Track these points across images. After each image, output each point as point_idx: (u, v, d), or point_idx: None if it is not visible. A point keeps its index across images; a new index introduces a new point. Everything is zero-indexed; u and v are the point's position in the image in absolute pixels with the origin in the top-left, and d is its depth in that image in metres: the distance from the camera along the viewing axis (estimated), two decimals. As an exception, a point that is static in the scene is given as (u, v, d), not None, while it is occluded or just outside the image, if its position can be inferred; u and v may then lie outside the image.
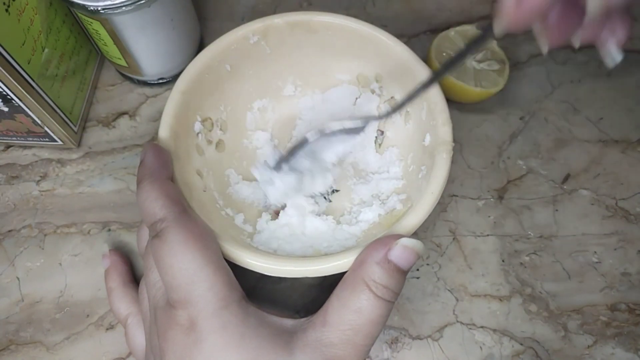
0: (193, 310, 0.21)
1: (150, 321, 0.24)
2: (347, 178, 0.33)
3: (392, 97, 0.32)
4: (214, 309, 0.21)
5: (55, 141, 0.34)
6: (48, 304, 0.31)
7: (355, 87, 0.34)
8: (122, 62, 0.35)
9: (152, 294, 0.23)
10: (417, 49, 0.29)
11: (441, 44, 0.36)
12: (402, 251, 0.22)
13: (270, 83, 0.34)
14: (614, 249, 0.32)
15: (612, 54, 0.20)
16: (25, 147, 0.36)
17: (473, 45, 0.22)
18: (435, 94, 0.27)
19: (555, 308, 0.31)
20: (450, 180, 0.34)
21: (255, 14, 0.42)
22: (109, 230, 0.33)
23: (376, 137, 0.33)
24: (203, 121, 0.30)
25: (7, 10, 0.27)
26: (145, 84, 0.38)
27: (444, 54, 0.35)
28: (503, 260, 0.32)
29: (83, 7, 0.30)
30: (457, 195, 0.34)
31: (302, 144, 0.30)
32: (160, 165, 0.25)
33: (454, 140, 0.26)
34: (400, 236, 0.22)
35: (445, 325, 0.30)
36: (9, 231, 0.33)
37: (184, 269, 0.21)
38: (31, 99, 0.30)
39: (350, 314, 0.21)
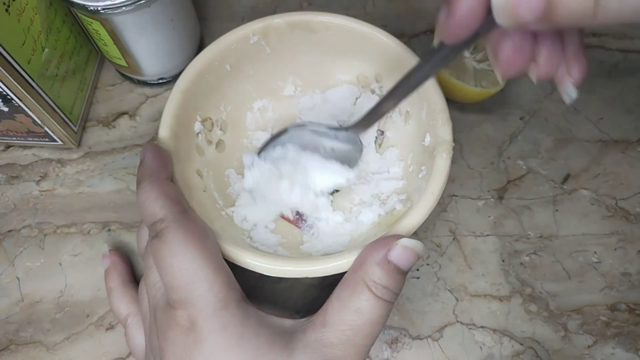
0: (193, 310, 0.21)
1: (150, 321, 0.24)
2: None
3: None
4: (213, 309, 0.21)
5: (55, 141, 0.35)
6: (48, 304, 0.31)
7: (355, 87, 0.34)
8: (122, 62, 0.35)
9: (152, 294, 0.23)
10: (417, 49, 0.29)
11: (441, 44, 0.36)
12: (402, 251, 0.22)
13: (270, 83, 0.34)
14: (614, 249, 0.32)
15: (568, 92, 0.20)
16: (25, 147, 0.36)
17: (433, 61, 0.21)
18: (435, 94, 0.27)
19: (555, 308, 0.31)
20: (450, 180, 0.34)
21: (255, 14, 0.42)
22: (109, 230, 0.33)
23: (376, 137, 0.33)
24: (203, 121, 0.30)
25: (7, 10, 0.27)
26: (145, 84, 0.38)
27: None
28: (503, 260, 0.32)
29: (83, 7, 0.30)
30: (457, 195, 0.34)
31: (281, 132, 0.30)
32: (160, 166, 0.25)
33: (454, 140, 0.26)
34: (400, 236, 0.22)
35: (445, 325, 0.30)
36: (9, 231, 0.33)
37: (183, 269, 0.21)
38: (31, 99, 0.30)
39: (350, 314, 0.21)
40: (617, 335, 0.30)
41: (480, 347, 0.30)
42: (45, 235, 0.33)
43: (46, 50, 0.31)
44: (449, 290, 0.31)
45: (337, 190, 0.33)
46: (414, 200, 0.27)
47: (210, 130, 0.31)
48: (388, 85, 0.32)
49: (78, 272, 0.32)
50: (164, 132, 0.27)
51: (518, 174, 0.35)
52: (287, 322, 0.23)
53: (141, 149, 0.30)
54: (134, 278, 0.30)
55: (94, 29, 0.32)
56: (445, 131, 0.26)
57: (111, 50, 0.34)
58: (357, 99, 0.34)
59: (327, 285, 0.31)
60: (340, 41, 0.31)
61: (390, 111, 0.26)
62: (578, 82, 0.20)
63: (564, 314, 0.31)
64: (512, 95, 0.38)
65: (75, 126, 0.35)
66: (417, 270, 0.32)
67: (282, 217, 0.32)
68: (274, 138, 0.32)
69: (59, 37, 0.33)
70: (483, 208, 0.34)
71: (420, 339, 0.30)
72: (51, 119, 0.32)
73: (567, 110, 0.37)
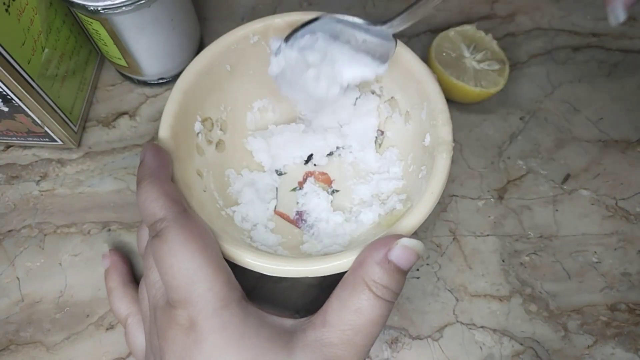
0: (193, 310, 0.21)
1: (150, 321, 0.24)
2: (347, 178, 0.33)
3: (392, 97, 0.32)
4: (213, 309, 0.21)
5: (55, 141, 0.35)
6: (48, 304, 0.31)
7: (356, 87, 0.34)
8: (122, 62, 0.35)
9: (152, 294, 0.23)
10: (417, 49, 0.29)
11: (441, 44, 0.36)
12: (402, 251, 0.22)
13: (270, 83, 0.34)
14: (614, 249, 0.32)
15: (617, 13, 0.20)
16: (25, 147, 0.36)
17: None
18: (435, 94, 0.27)
19: (555, 308, 0.31)
20: (450, 180, 0.34)
21: (255, 14, 0.42)
22: (109, 230, 0.33)
23: (376, 137, 0.33)
24: (203, 121, 0.30)
25: (7, 10, 0.27)
26: (145, 84, 0.38)
27: (444, 54, 0.35)
28: (503, 260, 0.32)
29: (83, 7, 0.30)
30: (457, 195, 0.34)
31: (312, 20, 0.29)
32: (160, 165, 0.25)
33: (454, 140, 0.26)
34: (400, 236, 0.22)
35: (445, 325, 0.30)
36: (9, 231, 0.33)
37: (183, 269, 0.21)
38: (31, 99, 0.30)
39: (350, 314, 0.21)
40: (617, 335, 0.30)
41: (480, 347, 0.30)
42: (45, 235, 0.33)
43: (46, 50, 0.31)
44: (449, 290, 0.31)
45: (337, 191, 0.33)
46: (414, 200, 0.27)
47: (210, 130, 0.31)
48: (388, 85, 0.32)
49: (78, 272, 0.32)
50: (164, 132, 0.27)
51: (518, 174, 0.35)
52: (288, 322, 0.23)
53: (141, 149, 0.30)
54: (134, 278, 0.30)
55: (94, 29, 0.32)
56: (445, 131, 0.26)
57: (111, 50, 0.34)
58: (357, 99, 0.34)
59: (327, 285, 0.31)
60: (340, 41, 0.31)
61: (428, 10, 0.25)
62: (629, 4, 0.20)
63: (564, 314, 0.31)
64: (512, 95, 0.38)
65: (75, 126, 0.35)
66: (417, 270, 0.32)
67: (279, 214, 0.32)
68: (304, 25, 0.30)
69: (59, 37, 0.33)
70: (483, 208, 0.34)
71: (420, 339, 0.30)
72: (51, 119, 0.32)
73: (567, 110, 0.37)
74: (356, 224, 0.30)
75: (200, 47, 0.39)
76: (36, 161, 0.36)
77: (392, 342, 0.30)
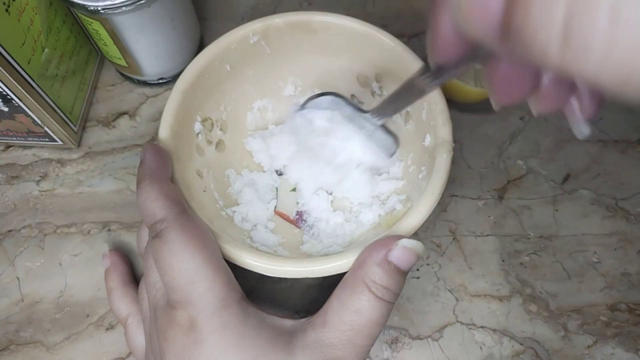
0: (193, 310, 0.21)
1: (150, 321, 0.24)
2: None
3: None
4: (213, 309, 0.21)
5: (55, 141, 0.34)
6: (48, 304, 0.31)
7: (356, 87, 0.34)
8: (122, 62, 0.35)
9: (152, 294, 0.23)
10: (417, 49, 0.29)
11: (441, 44, 0.36)
12: (402, 252, 0.22)
13: (270, 83, 0.34)
14: (614, 249, 0.32)
15: (580, 128, 0.17)
16: (25, 147, 0.36)
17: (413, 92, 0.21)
18: (435, 94, 0.27)
19: (555, 308, 0.31)
20: (450, 180, 0.34)
21: (255, 14, 0.42)
22: (109, 230, 0.33)
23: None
24: (203, 121, 0.30)
25: (7, 10, 0.27)
26: (145, 84, 0.38)
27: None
28: (503, 260, 0.32)
29: (83, 7, 0.30)
30: (457, 195, 0.34)
31: (321, 95, 0.29)
32: (160, 166, 0.25)
33: (454, 140, 0.26)
34: (400, 237, 0.22)
35: (445, 325, 0.30)
36: (9, 231, 0.33)
37: (183, 269, 0.21)
38: (31, 99, 0.30)
39: (351, 314, 0.21)
40: (617, 335, 0.30)
41: (480, 347, 0.30)
42: (45, 235, 0.33)
43: (46, 50, 0.31)
44: (449, 290, 0.31)
45: (330, 193, 0.33)
46: (414, 200, 0.27)
47: (210, 130, 0.31)
48: (388, 85, 0.32)
49: (78, 272, 0.32)
50: (164, 132, 0.27)
51: (518, 174, 0.35)
52: (288, 322, 0.23)
53: (141, 149, 0.30)
54: (134, 278, 0.30)
55: (94, 29, 0.32)
56: (445, 131, 0.26)
57: (111, 50, 0.34)
58: (357, 99, 0.34)
59: (327, 285, 0.31)
60: (341, 41, 0.31)
61: (415, 101, 0.25)
62: (591, 116, 0.16)
63: (564, 314, 0.31)
64: (512, 95, 0.38)
65: (75, 126, 0.35)
66: (417, 270, 0.32)
67: (279, 214, 0.32)
68: (314, 98, 0.30)
69: (59, 37, 0.33)
70: (483, 208, 0.34)
71: (420, 339, 0.30)
72: (51, 119, 0.32)
73: (567, 110, 0.37)
74: (356, 224, 0.30)
75: (200, 47, 0.39)
76: (36, 161, 0.36)
77: (392, 342, 0.30)
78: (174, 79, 0.37)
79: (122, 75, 0.38)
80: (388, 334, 0.30)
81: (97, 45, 0.35)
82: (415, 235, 0.23)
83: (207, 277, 0.21)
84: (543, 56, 0.10)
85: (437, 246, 0.32)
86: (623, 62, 0.09)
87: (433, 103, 0.27)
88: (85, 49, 0.37)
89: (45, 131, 0.33)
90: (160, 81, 0.38)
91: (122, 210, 0.34)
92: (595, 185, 0.34)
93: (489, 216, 0.34)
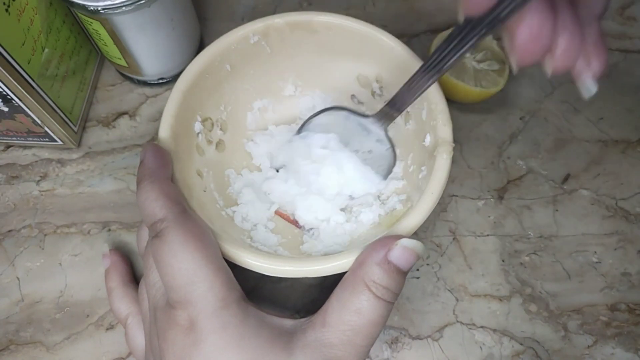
0: (193, 310, 0.21)
1: (150, 321, 0.24)
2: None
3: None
4: (213, 309, 0.21)
5: (55, 141, 0.35)
6: (48, 304, 0.31)
7: (356, 87, 0.34)
8: (122, 62, 0.35)
9: (152, 294, 0.23)
10: (417, 49, 0.29)
11: (441, 44, 0.36)
12: (402, 252, 0.22)
13: (270, 83, 0.34)
14: (614, 249, 0.32)
15: (587, 86, 0.19)
16: (25, 147, 0.36)
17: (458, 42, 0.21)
18: (435, 94, 0.27)
19: (555, 308, 0.31)
20: (450, 180, 0.34)
21: (255, 14, 0.42)
22: (109, 230, 0.33)
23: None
24: (203, 121, 0.30)
25: (7, 10, 0.27)
26: (145, 84, 0.38)
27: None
28: (503, 260, 0.32)
29: (83, 7, 0.30)
30: (457, 195, 0.34)
31: (324, 112, 0.30)
32: (160, 166, 0.25)
33: (454, 140, 0.26)
34: (400, 237, 0.22)
35: (445, 325, 0.30)
36: (9, 231, 0.33)
37: (183, 269, 0.21)
38: (31, 99, 0.30)
39: (350, 314, 0.21)
40: (617, 335, 0.30)
41: (480, 347, 0.30)
42: (45, 235, 0.33)
43: (46, 50, 0.31)
44: (449, 290, 0.31)
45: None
46: (414, 200, 0.27)
47: (210, 130, 0.31)
48: (388, 85, 0.32)
49: (78, 272, 0.32)
50: (164, 132, 0.27)
51: (518, 174, 0.35)
52: (287, 322, 0.23)
53: (141, 149, 0.30)
54: (134, 278, 0.30)
55: (94, 29, 0.32)
56: (445, 131, 0.26)
57: (111, 50, 0.34)
58: (357, 99, 0.34)
59: (327, 285, 0.31)
60: (341, 41, 0.31)
61: (414, 100, 0.26)
62: (598, 75, 0.19)
63: (564, 314, 0.31)
64: (512, 95, 0.38)
65: (75, 126, 0.35)
66: (417, 270, 0.32)
67: (279, 214, 0.32)
68: (316, 115, 0.32)
69: (59, 37, 0.33)
70: (483, 208, 0.34)
71: (420, 339, 0.30)
72: (51, 119, 0.32)
73: (567, 110, 0.37)
74: (356, 224, 0.30)
75: (200, 47, 0.39)
76: (36, 161, 0.36)
77: (392, 342, 0.30)
78: (174, 79, 0.37)
79: (122, 75, 0.38)
80: (388, 334, 0.30)
81: (97, 45, 0.35)
82: (415, 235, 0.23)
83: (207, 276, 0.21)
84: None
85: (437, 246, 0.32)
86: None
87: (433, 103, 0.27)
88: (85, 49, 0.37)
89: (45, 131, 0.33)
90: (160, 81, 0.38)
91: (122, 210, 0.34)
92: (595, 185, 0.34)
93: (489, 216, 0.34)
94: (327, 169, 0.31)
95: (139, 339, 0.26)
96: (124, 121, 0.37)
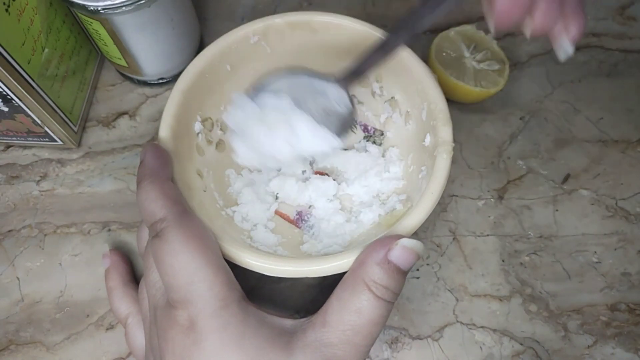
0: (193, 310, 0.21)
1: (150, 321, 0.24)
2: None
3: (392, 98, 0.32)
4: (213, 309, 0.21)
5: (55, 141, 0.35)
6: (48, 304, 0.31)
7: (356, 87, 0.34)
8: (122, 62, 0.35)
9: (152, 294, 0.23)
10: (417, 49, 0.29)
11: (441, 44, 0.36)
12: (402, 252, 0.22)
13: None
14: (614, 249, 0.32)
15: (564, 47, 0.20)
16: (25, 147, 0.36)
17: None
18: (435, 94, 0.27)
19: (555, 308, 0.31)
20: (450, 180, 0.34)
21: (255, 14, 0.42)
22: (109, 230, 0.33)
23: (376, 137, 0.33)
24: (203, 121, 0.30)
25: (7, 10, 0.27)
26: (145, 84, 0.38)
27: (444, 54, 0.35)
28: (503, 260, 0.32)
29: (83, 7, 0.30)
30: (457, 195, 0.34)
31: (276, 76, 0.28)
32: (160, 166, 0.25)
33: (454, 140, 0.26)
34: (400, 236, 0.22)
35: (445, 325, 0.30)
36: (9, 231, 0.33)
37: (183, 269, 0.21)
38: (31, 99, 0.30)
39: (350, 314, 0.21)
40: (617, 335, 0.30)
41: (480, 347, 0.30)
42: (45, 235, 0.33)
43: (46, 50, 0.31)
44: (449, 290, 0.31)
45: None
46: (414, 200, 0.27)
47: (210, 130, 0.31)
48: (388, 85, 0.32)
49: (78, 272, 0.32)
50: (164, 132, 0.27)
51: (518, 174, 0.35)
52: (287, 322, 0.23)
53: (141, 149, 0.30)
54: (134, 278, 0.30)
55: (94, 29, 0.32)
56: (445, 131, 0.26)
57: (111, 50, 0.34)
58: (357, 99, 0.34)
59: (327, 285, 0.31)
60: (341, 41, 0.31)
61: (382, 62, 0.25)
62: (575, 39, 0.20)
63: (564, 314, 0.31)
64: (512, 95, 0.38)
65: (75, 126, 0.35)
66: (417, 270, 0.32)
67: (279, 214, 0.32)
68: (267, 78, 0.29)
69: (59, 37, 0.33)
70: (483, 208, 0.34)
71: (420, 339, 0.30)
72: (51, 119, 0.32)
73: (567, 110, 0.37)
74: (356, 224, 0.30)
75: (200, 47, 0.39)
76: (36, 161, 0.36)
77: (392, 342, 0.30)
78: (174, 79, 0.37)
79: (122, 75, 0.38)
80: (388, 334, 0.30)
81: (97, 45, 0.35)
82: (415, 235, 0.23)
83: (207, 276, 0.21)
84: None
85: (437, 246, 0.32)
86: None
87: (433, 103, 0.27)
88: (85, 49, 0.37)
89: (45, 131, 0.33)
90: (160, 81, 0.38)
91: (122, 210, 0.34)
92: (595, 185, 0.34)
93: (489, 216, 0.34)
94: (280, 132, 0.29)
95: (139, 339, 0.26)
96: (124, 121, 0.37)
